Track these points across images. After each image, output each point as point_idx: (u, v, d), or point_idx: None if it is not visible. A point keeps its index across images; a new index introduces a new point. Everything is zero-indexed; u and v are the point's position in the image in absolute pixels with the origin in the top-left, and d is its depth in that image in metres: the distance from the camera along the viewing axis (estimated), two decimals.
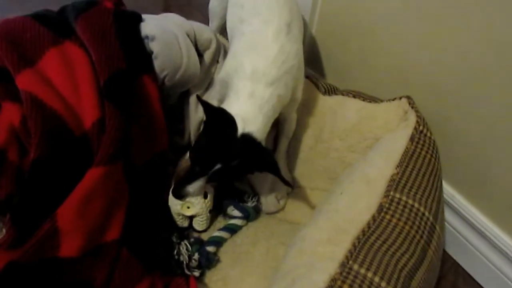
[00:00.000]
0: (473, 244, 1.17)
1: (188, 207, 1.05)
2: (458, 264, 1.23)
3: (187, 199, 1.03)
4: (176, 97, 1.21)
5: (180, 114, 1.24)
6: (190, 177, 0.96)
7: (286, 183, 0.96)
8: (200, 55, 1.18)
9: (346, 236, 0.82)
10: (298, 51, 1.03)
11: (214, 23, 1.42)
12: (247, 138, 0.92)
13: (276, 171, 0.94)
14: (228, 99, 0.98)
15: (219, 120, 0.92)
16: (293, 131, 1.20)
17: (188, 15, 1.22)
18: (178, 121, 1.24)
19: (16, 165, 0.92)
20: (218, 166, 0.92)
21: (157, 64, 1.07)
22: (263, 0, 1.05)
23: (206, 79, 1.21)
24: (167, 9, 2.19)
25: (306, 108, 1.25)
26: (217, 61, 1.23)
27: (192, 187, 0.97)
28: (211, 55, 1.19)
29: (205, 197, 1.06)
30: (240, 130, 0.91)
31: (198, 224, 1.09)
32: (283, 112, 1.08)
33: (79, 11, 1.04)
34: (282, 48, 0.98)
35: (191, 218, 1.09)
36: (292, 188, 1.02)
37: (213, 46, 1.19)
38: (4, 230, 0.88)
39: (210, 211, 1.09)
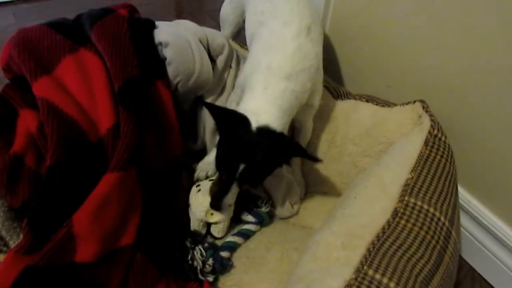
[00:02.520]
0: (489, 249, 1.16)
1: (212, 214, 1.06)
2: (474, 269, 1.22)
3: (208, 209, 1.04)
4: (189, 103, 1.23)
5: (194, 119, 1.26)
6: (224, 187, 0.95)
7: (313, 159, 0.96)
8: (212, 60, 1.19)
9: (360, 241, 0.81)
10: (318, 54, 1.02)
11: (226, 30, 1.42)
12: (263, 130, 0.89)
13: (302, 153, 0.94)
14: (244, 97, 0.97)
15: (229, 120, 0.91)
16: (308, 140, 1.19)
17: (200, 21, 1.24)
18: (191, 126, 1.25)
19: (34, 171, 0.95)
20: (242, 166, 0.89)
21: (170, 70, 1.09)
22: (283, 4, 1.04)
23: (219, 85, 1.23)
24: (179, 15, 2.22)
25: (318, 113, 1.23)
26: (230, 66, 1.24)
27: (228, 198, 0.97)
28: (224, 60, 1.20)
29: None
30: (254, 124, 0.89)
31: (218, 231, 1.09)
32: (300, 119, 1.08)
33: (95, 19, 1.06)
34: (300, 47, 0.97)
35: (209, 224, 1.10)
36: (319, 161, 0.98)
37: (226, 51, 1.20)
38: (21, 235, 0.89)
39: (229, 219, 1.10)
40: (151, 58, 1.06)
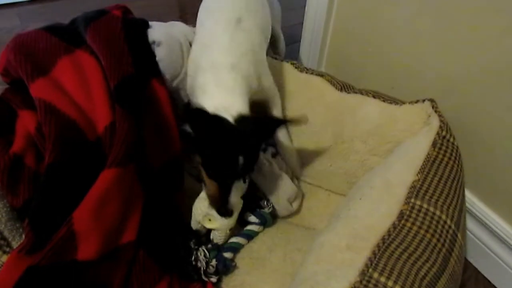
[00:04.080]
0: (494, 251, 1.16)
1: (210, 220, 1.04)
2: (479, 271, 1.22)
3: (209, 212, 1.02)
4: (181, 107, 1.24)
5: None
6: (226, 190, 0.95)
7: (293, 120, 1.00)
8: None
9: (365, 243, 0.81)
10: (253, 40, 1.07)
11: None
12: (240, 118, 0.92)
13: (281, 121, 1.03)
14: (201, 99, 0.98)
15: (205, 124, 0.91)
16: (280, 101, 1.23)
17: None
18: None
19: (34, 171, 0.96)
20: (242, 158, 0.89)
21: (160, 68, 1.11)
22: (214, 2, 1.12)
23: None
24: (183, 16, 2.20)
25: (322, 104, 1.22)
26: None
27: (233, 196, 0.96)
28: None
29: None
30: (229, 118, 0.91)
31: (216, 237, 1.07)
32: (265, 103, 1.16)
33: (89, 21, 1.09)
34: (232, 38, 1.02)
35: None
36: (302, 121, 1.01)
37: None
38: (23, 235, 0.88)
39: (230, 229, 1.07)
40: (146, 57, 1.08)
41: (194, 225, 1.08)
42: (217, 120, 0.91)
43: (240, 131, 0.91)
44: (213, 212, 1.00)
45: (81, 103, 0.97)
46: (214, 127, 0.91)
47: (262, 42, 1.13)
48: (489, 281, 1.19)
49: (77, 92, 0.98)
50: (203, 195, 1.05)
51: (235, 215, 1.03)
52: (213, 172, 0.93)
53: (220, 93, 0.95)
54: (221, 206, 0.96)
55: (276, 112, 1.22)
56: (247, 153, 0.90)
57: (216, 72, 0.98)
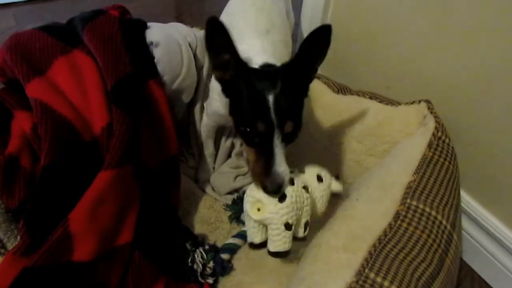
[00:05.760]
0: (489, 251, 1.17)
1: (259, 209, 0.83)
2: (474, 270, 1.23)
3: (257, 197, 0.83)
4: (181, 112, 1.26)
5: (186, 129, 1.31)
6: (267, 153, 0.79)
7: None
8: (200, 67, 1.23)
9: (362, 244, 0.81)
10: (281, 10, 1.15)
11: None
12: (269, 64, 0.88)
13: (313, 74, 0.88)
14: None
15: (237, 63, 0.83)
16: None
17: (200, 22, 1.22)
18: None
19: (29, 171, 0.96)
20: (271, 97, 0.77)
21: (157, 69, 1.11)
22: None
23: (206, 91, 1.26)
24: (179, 16, 2.19)
25: (319, 106, 1.21)
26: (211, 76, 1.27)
27: (278, 164, 0.78)
28: (207, 69, 1.24)
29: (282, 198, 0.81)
30: (259, 62, 0.88)
31: (270, 241, 0.83)
32: None
33: (86, 21, 1.08)
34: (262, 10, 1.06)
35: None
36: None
37: (207, 64, 1.24)
38: (18, 237, 0.88)
39: (288, 226, 0.81)
40: (143, 58, 1.08)
41: (248, 229, 0.88)
42: (244, 62, 0.83)
43: (266, 73, 0.84)
44: (261, 195, 0.82)
45: (77, 104, 0.97)
46: (243, 67, 0.83)
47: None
48: (484, 280, 1.20)
49: (73, 93, 0.98)
50: (252, 185, 0.87)
51: (288, 201, 0.80)
52: (249, 124, 0.80)
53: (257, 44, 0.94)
54: (266, 177, 0.79)
55: None
56: (279, 93, 0.78)
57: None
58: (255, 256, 1.07)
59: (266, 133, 0.78)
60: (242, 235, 1.09)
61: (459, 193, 0.99)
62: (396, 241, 0.81)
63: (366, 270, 0.76)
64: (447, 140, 1.02)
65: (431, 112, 1.07)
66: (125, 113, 0.95)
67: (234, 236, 1.09)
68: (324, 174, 0.90)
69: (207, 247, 1.02)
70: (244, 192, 1.19)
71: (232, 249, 1.06)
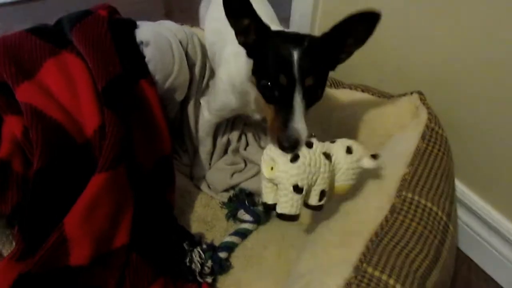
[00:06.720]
0: (484, 238, 1.18)
1: (272, 168, 0.80)
2: (471, 259, 1.24)
3: (271, 156, 0.80)
4: (174, 110, 1.25)
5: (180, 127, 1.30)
6: (286, 107, 0.78)
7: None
8: (192, 64, 1.22)
9: (359, 238, 0.81)
10: None
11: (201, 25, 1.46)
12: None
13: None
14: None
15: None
16: None
17: (190, 19, 1.22)
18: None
19: (22, 176, 0.94)
20: (296, 53, 0.77)
21: (149, 68, 1.09)
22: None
23: (199, 88, 1.26)
24: (169, 13, 2.17)
25: None
26: (203, 76, 1.27)
27: (296, 121, 0.77)
28: (200, 66, 1.23)
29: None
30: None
31: (278, 202, 0.79)
32: None
33: (74, 21, 1.07)
34: None
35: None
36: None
37: (199, 61, 1.23)
38: (13, 243, 0.87)
39: (297, 188, 0.77)
40: (134, 58, 1.07)
41: (262, 189, 0.84)
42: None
43: (294, 34, 0.84)
44: (275, 153, 0.79)
45: (68, 106, 0.95)
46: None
47: None
48: (481, 268, 1.20)
49: (64, 95, 0.96)
50: (269, 144, 0.84)
51: (300, 162, 0.77)
52: (271, 77, 0.80)
53: None
54: (282, 132, 0.77)
55: None
56: (305, 49, 0.78)
57: None
58: (252, 254, 1.07)
59: (288, 87, 0.78)
60: (240, 233, 1.09)
61: (453, 183, 0.99)
62: (392, 234, 0.81)
63: (364, 265, 0.76)
64: (440, 131, 1.02)
65: (423, 104, 1.07)
66: (117, 114, 0.94)
67: (231, 234, 1.08)
68: (356, 147, 0.86)
69: (204, 246, 1.02)
70: (240, 189, 1.21)
71: (230, 247, 1.06)
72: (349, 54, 0.87)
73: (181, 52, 1.14)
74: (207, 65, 1.28)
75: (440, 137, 1.00)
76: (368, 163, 0.86)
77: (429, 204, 0.87)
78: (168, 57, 1.11)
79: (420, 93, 1.10)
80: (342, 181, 0.84)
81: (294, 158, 0.77)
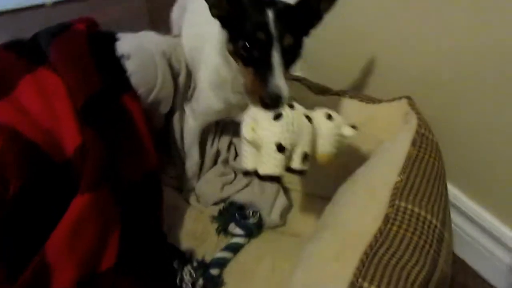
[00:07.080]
0: (479, 242, 1.17)
1: (253, 129, 0.77)
2: (466, 263, 1.22)
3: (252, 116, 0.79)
4: (160, 123, 1.22)
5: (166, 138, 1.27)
6: (265, 66, 0.78)
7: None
8: (177, 75, 1.19)
9: (353, 252, 0.80)
10: None
11: (174, 30, 1.47)
12: None
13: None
14: None
15: None
16: None
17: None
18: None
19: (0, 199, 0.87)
20: (271, 12, 0.79)
21: (131, 82, 1.07)
22: None
23: (184, 100, 1.23)
24: (152, 23, 2.13)
25: None
26: (189, 86, 1.24)
27: (276, 77, 0.76)
28: (184, 76, 1.20)
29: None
30: None
31: (260, 163, 0.76)
32: None
33: (52, 36, 1.04)
34: None
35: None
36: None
37: (183, 72, 1.20)
38: None
39: (280, 147, 0.74)
40: (114, 72, 1.04)
41: (242, 155, 0.81)
42: None
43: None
44: (257, 113, 0.78)
45: (46, 125, 0.92)
46: None
47: None
48: (477, 272, 1.19)
49: (41, 114, 0.93)
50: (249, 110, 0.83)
51: (283, 122, 0.75)
52: (248, 36, 0.80)
53: None
54: (263, 90, 0.76)
55: None
56: (279, 13, 0.80)
57: None
58: (245, 268, 1.04)
59: (265, 45, 0.79)
60: (231, 248, 1.07)
61: (446, 189, 0.97)
62: (387, 246, 0.79)
63: (360, 280, 0.73)
64: (430, 136, 1.00)
65: (412, 109, 1.05)
66: (98, 132, 0.91)
67: (222, 249, 1.06)
68: (336, 115, 0.85)
69: (195, 264, 0.99)
70: (230, 203, 1.18)
71: (222, 263, 1.03)
72: (321, 18, 0.89)
73: (164, 64, 1.12)
74: (192, 76, 1.25)
75: (431, 143, 0.98)
76: (347, 130, 0.86)
77: (422, 213, 0.85)
78: (151, 70, 1.08)
79: (408, 98, 1.08)
80: (325, 146, 0.83)
81: (277, 117, 0.76)
